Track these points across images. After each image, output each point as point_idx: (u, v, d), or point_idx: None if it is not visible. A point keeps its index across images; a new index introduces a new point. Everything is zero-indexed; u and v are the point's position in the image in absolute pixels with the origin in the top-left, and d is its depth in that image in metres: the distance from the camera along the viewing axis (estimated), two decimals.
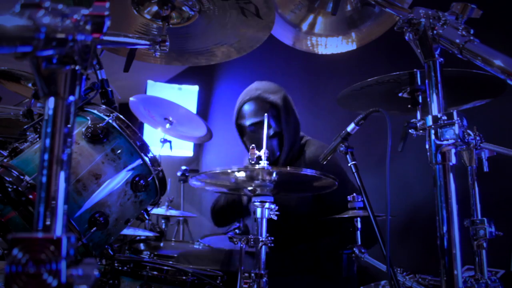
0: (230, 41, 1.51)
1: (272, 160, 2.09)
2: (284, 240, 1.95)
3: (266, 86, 2.10)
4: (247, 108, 2.06)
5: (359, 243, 1.53)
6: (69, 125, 0.56)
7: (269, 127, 2.02)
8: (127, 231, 2.48)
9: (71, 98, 0.56)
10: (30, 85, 1.94)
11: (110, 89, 1.44)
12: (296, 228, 2.02)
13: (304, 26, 1.59)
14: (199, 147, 4.71)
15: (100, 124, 1.21)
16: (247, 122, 2.06)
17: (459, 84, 1.33)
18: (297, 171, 1.32)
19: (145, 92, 4.54)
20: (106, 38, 0.93)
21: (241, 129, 2.13)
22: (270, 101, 2.03)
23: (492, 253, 1.25)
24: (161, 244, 2.71)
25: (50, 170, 0.54)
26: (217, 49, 1.56)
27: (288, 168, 1.31)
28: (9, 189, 1.07)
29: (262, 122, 1.96)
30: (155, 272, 1.50)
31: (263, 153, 1.32)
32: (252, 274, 1.27)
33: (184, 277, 1.50)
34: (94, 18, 0.56)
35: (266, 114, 1.46)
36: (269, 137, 2.03)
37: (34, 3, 0.52)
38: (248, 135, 2.10)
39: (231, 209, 2.21)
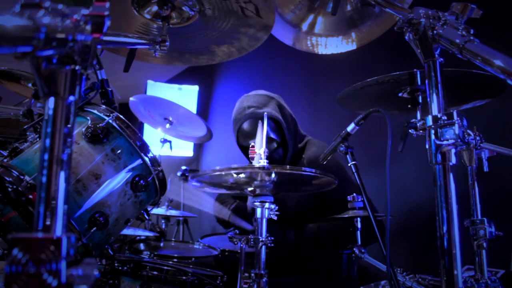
0: (230, 41, 1.51)
1: None
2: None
3: (255, 99, 2.05)
4: (245, 128, 2.04)
5: (359, 243, 1.53)
6: (69, 125, 0.56)
7: (270, 141, 2.01)
8: (127, 231, 2.48)
9: (71, 98, 0.56)
10: (30, 85, 1.94)
11: (110, 89, 1.44)
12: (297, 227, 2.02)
13: (304, 26, 1.59)
14: (199, 147, 4.71)
15: (100, 124, 1.21)
16: (251, 143, 2.04)
17: (459, 84, 1.33)
18: (296, 171, 1.31)
19: (145, 92, 4.54)
20: (106, 38, 0.93)
21: (245, 149, 2.11)
22: (259, 114, 1.99)
23: (492, 253, 1.25)
24: (161, 244, 2.70)
25: (50, 170, 0.54)
26: (217, 49, 1.57)
27: (288, 167, 1.30)
28: (9, 189, 1.07)
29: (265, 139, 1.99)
30: (155, 272, 1.50)
31: (263, 152, 1.31)
32: (252, 274, 1.27)
33: (184, 277, 1.50)
34: (94, 18, 0.56)
35: (265, 113, 1.45)
36: (272, 150, 2.01)
37: (34, 3, 0.52)
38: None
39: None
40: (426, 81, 0.90)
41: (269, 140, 2.01)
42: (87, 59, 0.57)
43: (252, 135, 2.03)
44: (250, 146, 1.36)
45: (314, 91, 3.26)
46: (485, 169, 1.32)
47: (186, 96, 4.63)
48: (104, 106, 1.31)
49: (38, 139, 1.25)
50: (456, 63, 1.07)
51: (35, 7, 0.51)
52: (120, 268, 1.50)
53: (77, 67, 0.56)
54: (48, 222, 0.53)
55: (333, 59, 2.10)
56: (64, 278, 0.50)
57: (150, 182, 1.27)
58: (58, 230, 0.53)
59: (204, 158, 4.70)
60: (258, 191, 1.34)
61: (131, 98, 2.80)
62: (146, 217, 1.35)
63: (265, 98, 2.06)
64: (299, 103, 3.27)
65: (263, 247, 1.28)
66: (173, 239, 3.20)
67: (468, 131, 0.86)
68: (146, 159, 1.26)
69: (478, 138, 1.23)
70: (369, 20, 1.54)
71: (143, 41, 1.24)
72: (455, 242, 0.81)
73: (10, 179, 1.08)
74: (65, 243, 0.51)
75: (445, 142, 0.84)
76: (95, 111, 1.27)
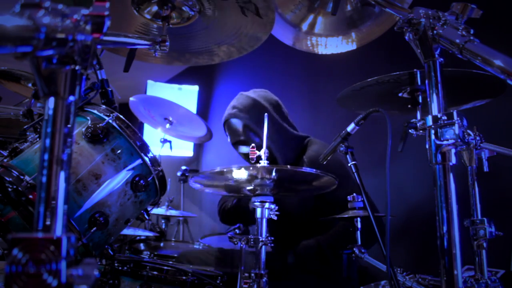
0: (230, 41, 1.51)
1: None
2: (284, 239, 1.95)
3: (238, 102, 2.09)
4: (226, 128, 2.13)
5: (359, 243, 1.53)
6: (69, 125, 0.56)
7: (243, 143, 2.06)
8: (127, 231, 2.48)
9: (71, 98, 0.56)
10: (30, 85, 1.94)
11: (110, 89, 1.44)
12: (297, 227, 2.01)
13: (304, 26, 1.59)
14: (199, 147, 4.71)
15: (100, 124, 1.21)
16: (230, 141, 2.13)
17: (459, 84, 1.33)
18: (296, 169, 1.32)
19: (145, 92, 4.54)
20: (106, 38, 0.93)
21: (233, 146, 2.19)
22: (240, 118, 2.04)
23: (492, 253, 1.25)
24: (161, 244, 2.71)
25: (50, 170, 0.54)
26: (217, 49, 1.57)
27: (288, 167, 1.30)
28: (9, 189, 1.07)
29: (240, 142, 2.06)
30: (155, 272, 1.50)
31: (263, 152, 1.31)
32: (252, 274, 1.27)
33: (184, 277, 1.49)
34: (94, 18, 0.56)
35: (266, 114, 1.45)
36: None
37: (34, 3, 0.52)
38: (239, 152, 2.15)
39: (236, 214, 2.21)
40: (426, 81, 0.90)
41: (242, 142, 2.07)
42: (87, 59, 0.57)
43: (229, 136, 2.11)
44: (251, 147, 1.36)
45: (314, 91, 3.26)
46: (485, 169, 1.32)
47: (186, 96, 4.62)
48: (104, 106, 1.31)
49: (38, 139, 1.25)
50: (456, 63, 1.07)
51: (35, 7, 0.51)
52: (120, 268, 1.50)
53: (77, 67, 0.56)
54: (48, 222, 0.53)
55: (333, 59, 2.10)
56: (64, 278, 0.50)
57: (150, 182, 1.27)
58: (58, 230, 0.53)
59: (204, 158, 4.69)
60: (258, 190, 1.34)
61: (131, 98, 2.80)
62: (146, 217, 1.35)
63: (247, 100, 2.08)
64: (299, 103, 3.27)
65: (263, 247, 1.28)
66: (173, 239, 3.21)
67: (468, 131, 0.86)
68: (146, 159, 1.26)
69: (478, 138, 1.23)
70: (369, 20, 1.54)
71: (143, 41, 1.24)
72: (455, 242, 0.81)
73: (10, 179, 1.08)
74: (65, 243, 0.51)
75: (445, 142, 0.84)
76: (95, 111, 1.27)
